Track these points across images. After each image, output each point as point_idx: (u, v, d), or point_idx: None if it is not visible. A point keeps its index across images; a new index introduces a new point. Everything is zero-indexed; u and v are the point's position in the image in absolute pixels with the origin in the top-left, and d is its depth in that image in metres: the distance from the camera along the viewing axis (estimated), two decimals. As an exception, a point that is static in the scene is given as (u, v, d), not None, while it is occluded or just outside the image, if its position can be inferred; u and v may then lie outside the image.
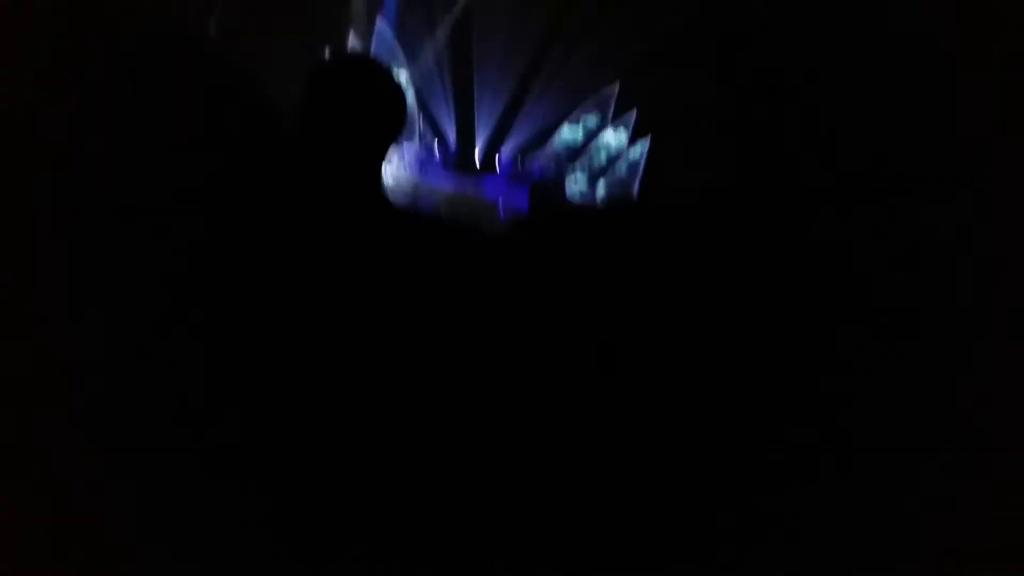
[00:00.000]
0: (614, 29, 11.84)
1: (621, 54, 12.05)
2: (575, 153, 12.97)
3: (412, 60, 12.50)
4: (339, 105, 1.76)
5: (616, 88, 12.71)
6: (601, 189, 12.89)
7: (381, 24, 12.32)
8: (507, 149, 12.98)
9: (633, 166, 12.76)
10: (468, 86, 12.73)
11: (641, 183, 12.75)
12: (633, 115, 12.74)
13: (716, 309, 1.91)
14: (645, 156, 12.73)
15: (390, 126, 1.84)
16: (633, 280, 1.87)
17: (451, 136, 12.82)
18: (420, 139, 12.43)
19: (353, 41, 12.24)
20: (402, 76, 11.94)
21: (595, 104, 12.88)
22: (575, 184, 12.87)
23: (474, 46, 12.44)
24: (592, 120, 12.98)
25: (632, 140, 12.81)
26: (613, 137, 12.92)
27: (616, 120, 12.85)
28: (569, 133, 12.99)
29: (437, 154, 12.36)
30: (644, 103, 12.50)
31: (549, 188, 12.07)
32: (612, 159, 12.87)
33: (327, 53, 11.74)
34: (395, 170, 11.51)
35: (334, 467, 1.66)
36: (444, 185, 11.60)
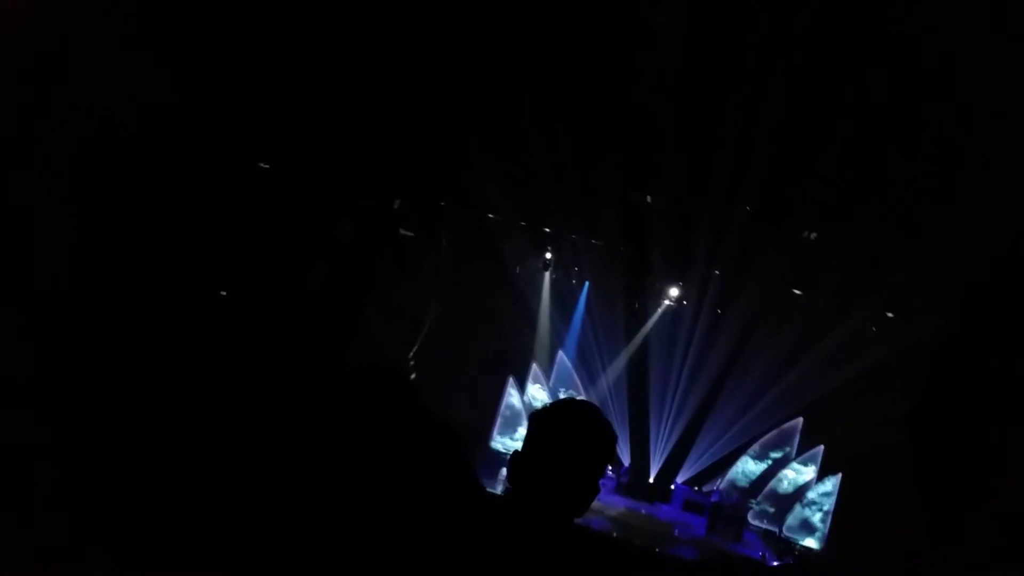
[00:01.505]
0: (795, 363, 11.90)
1: (803, 389, 11.95)
2: (758, 485, 12.41)
3: (589, 387, 13.05)
4: (558, 443, 1.90)
5: (800, 423, 12.39)
6: (788, 525, 12.01)
7: (562, 356, 13.20)
8: (682, 476, 12.69)
9: (820, 504, 11.93)
10: (643, 414, 12.93)
11: (831, 525, 11.80)
12: (820, 451, 12.20)
13: None
14: (836, 494, 11.96)
15: (600, 464, 1.94)
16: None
17: (625, 460, 12.76)
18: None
19: (536, 370, 13.10)
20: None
21: (778, 437, 12.52)
22: (760, 519, 12.10)
23: (651, 377, 12.85)
24: (777, 453, 12.57)
25: (820, 476, 12.16)
26: (799, 472, 12.33)
27: (802, 455, 12.36)
28: (752, 464, 12.58)
29: (611, 477, 12.26)
30: (830, 439, 12.03)
31: (730, 513, 11.53)
32: (798, 494, 12.15)
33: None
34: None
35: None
36: (617, 506, 11.35)
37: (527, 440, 1.99)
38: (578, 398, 2.42)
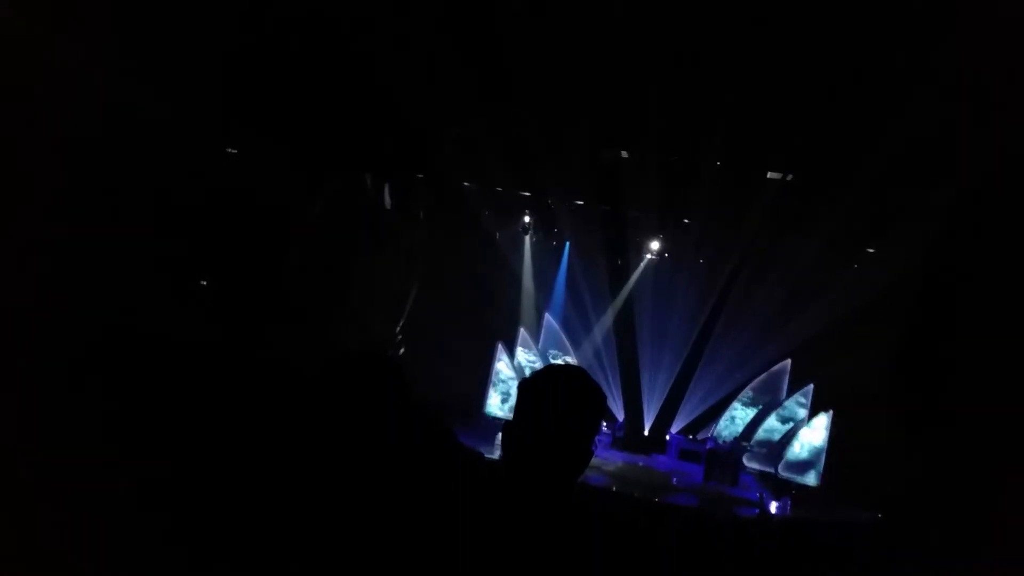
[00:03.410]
0: (780, 306, 11.97)
1: (790, 331, 12.04)
2: (752, 428, 12.58)
3: (577, 346, 13.09)
4: (548, 412, 1.90)
5: (788, 364, 12.52)
6: (783, 465, 12.20)
7: (548, 318, 13.22)
8: (676, 426, 12.83)
9: (814, 442, 12.12)
10: (634, 368, 13.01)
11: (826, 461, 12.00)
12: (810, 390, 12.36)
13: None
14: (828, 431, 12.14)
15: (591, 428, 1.94)
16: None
17: (619, 415, 12.87)
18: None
19: (524, 334, 13.12)
20: (567, 361, 12.47)
21: (767, 380, 12.66)
22: (755, 461, 12.29)
23: (639, 331, 12.90)
24: (767, 396, 12.72)
25: (811, 414, 12.34)
26: (791, 412, 12.50)
27: (792, 394, 12.52)
28: (744, 409, 12.74)
29: (606, 432, 12.38)
30: (819, 378, 12.17)
31: (725, 458, 11.69)
32: (791, 434, 12.33)
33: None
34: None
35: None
36: (615, 460, 11.50)
37: (517, 411, 1.98)
38: (561, 361, 2.42)
